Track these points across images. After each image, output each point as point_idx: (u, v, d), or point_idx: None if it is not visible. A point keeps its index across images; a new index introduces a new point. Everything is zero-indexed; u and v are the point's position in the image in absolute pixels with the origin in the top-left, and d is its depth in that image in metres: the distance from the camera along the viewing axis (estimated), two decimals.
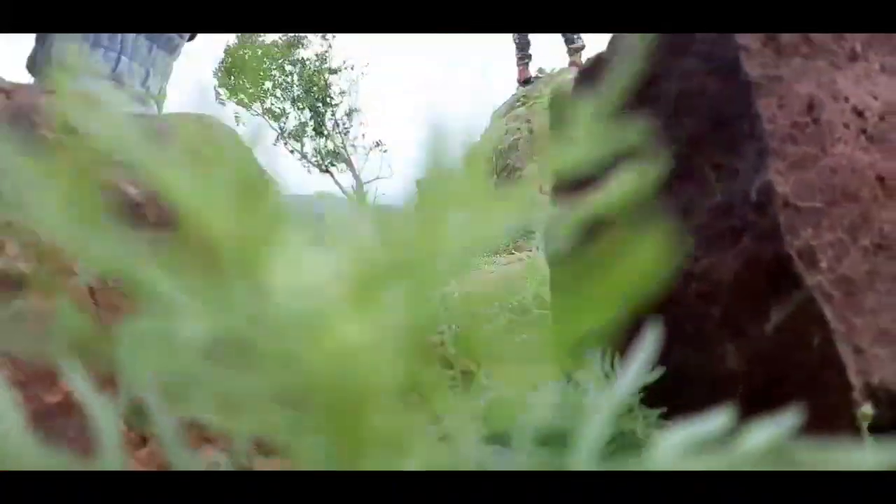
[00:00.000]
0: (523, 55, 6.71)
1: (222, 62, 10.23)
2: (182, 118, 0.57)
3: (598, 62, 0.49)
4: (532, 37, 6.55)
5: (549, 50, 7.08)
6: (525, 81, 6.70)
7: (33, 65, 0.84)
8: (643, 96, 0.46)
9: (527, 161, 4.41)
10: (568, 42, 6.64)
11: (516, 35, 6.48)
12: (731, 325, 0.41)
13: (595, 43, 7.11)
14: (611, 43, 0.54)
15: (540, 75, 7.03)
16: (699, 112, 0.42)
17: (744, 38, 0.39)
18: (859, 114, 0.41)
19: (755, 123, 0.38)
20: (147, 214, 0.47)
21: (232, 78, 10.21)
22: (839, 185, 0.38)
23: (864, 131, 0.41)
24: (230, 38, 10.21)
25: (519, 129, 4.57)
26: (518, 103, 5.97)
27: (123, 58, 0.82)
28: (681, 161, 0.43)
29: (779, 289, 0.37)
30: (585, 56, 6.74)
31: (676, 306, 0.45)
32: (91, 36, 0.80)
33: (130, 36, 0.83)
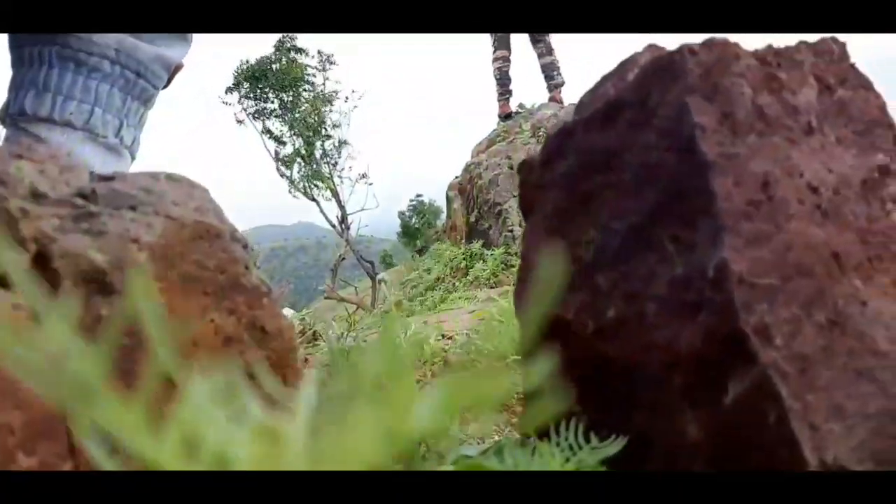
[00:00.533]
0: (504, 90, 6.81)
1: (245, 70, 10.25)
2: (153, 177, 0.57)
3: (565, 136, 0.50)
4: (513, 72, 6.66)
5: (530, 85, 7.19)
6: (506, 116, 6.79)
7: (6, 114, 0.84)
8: (606, 166, 0.48)
9: (508, 196, 4.44)
10: (548, 79, 6.76)
11: (497, 71, 6.58)
12: (692, 395, 0.41)
13: (574, 79, 7.24)
14: (577, 110, 0.55)
15: (520, 110, 7.14)
16: (659, 185, 0.43)
17: (700, 117, 0.40)
18: (814, 189, 0.42)
19: (711, 201, 0.39)
20: (114, 282, 0.47)
21: (243, 88, 10.24)
22: (794, 262, 0.39)
23: (818, 206, 0.42)
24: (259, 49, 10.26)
25: (499, 164, 4.62)
26: (499, 138, 6.04)
27: (97, 110, 0.83)
28: (642, 231, 0.44)
29: (736, 364, 0.38)
30: (564, 91, 6.84)
31: (640, 374, 0.45)
32: (64, 88, 0.81)
33: (104, 88, 0.83)
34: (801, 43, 0.47)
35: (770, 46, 0.46)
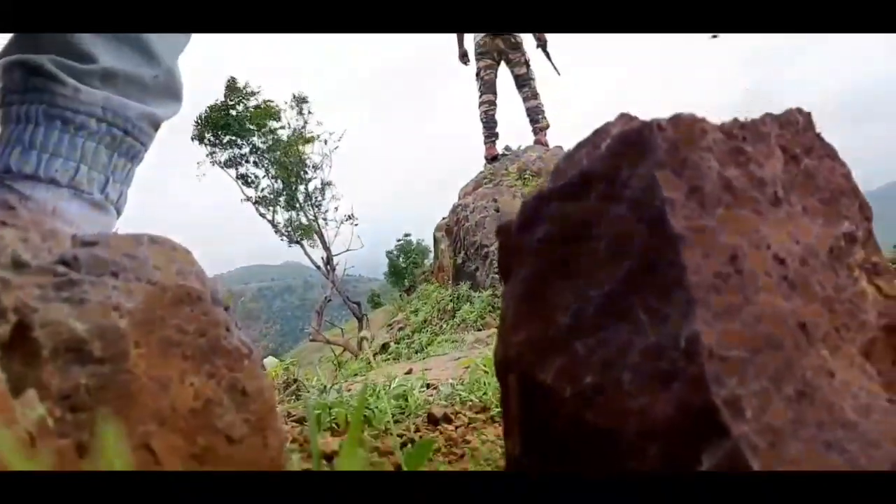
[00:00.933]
0: (490, 133, 6.92)
1: (206, 119, 10.30)
2: (136, 241, 0.57)
3: (541, 202, 0.51)
4: (499, 115, 6.76)
5: (515, 128, 7.30)
6: (492, 158, 6.88)
7: None
8: (581, 235, 0.49)
9: (494, 238, 4.45)
10: (533, 122, 6.87)
11: (483, 115, 6.69)
12: (668, 464, 0.42)
13: (558, 122, 7.35)
14: (553, 176, 0.57)
15: (507, 153, 7.24)
16: (632, 256, 0.44)
17: (669, 191, 0.42)
18: (781, 261, 0.43)
19: (682, 273, 0.40)
20: (93, 350, 0.47)
21: (210, 137, 10.28)
22: (763, 334, 0.40)
23: (785, 278, 0.43)
24: (217, 97, 10.28)
25: (486, 206, 4.66)
26: (486, 180, 6.11)
27: (83, 167, 0.83)
28: (617, 300, 0.45)
29: (709, 435, 0.38)
30: (549, 134, 6.94)
31: (618, 441, 0.46)
32: (50, 145, 0.82)
33: (91, 145, 0.84)
34: (767, 115, 0.49)
35: (736, 120, 0.48)
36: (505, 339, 0.60)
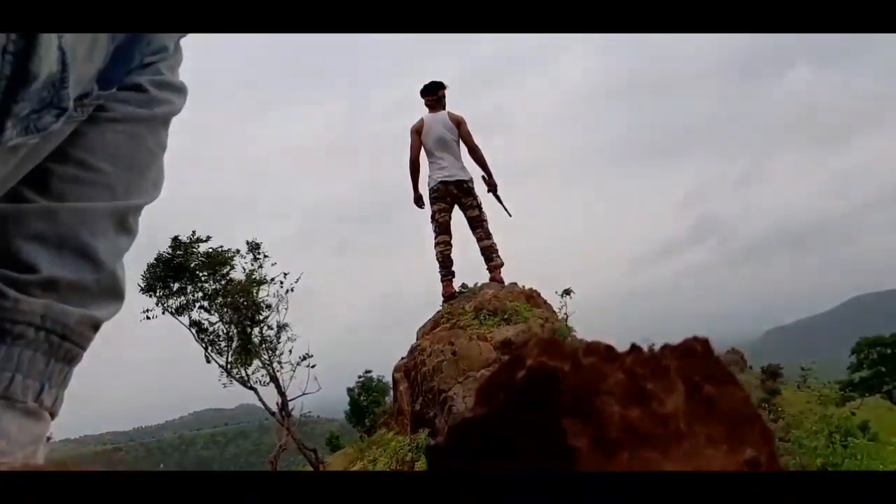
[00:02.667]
0: (447, 272, 7.05)
1: (156, 266, 10.21)
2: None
3: (467, 427, 0.53)
4: (455, 254, 6.93)
5: (471, 266, 7.46)
6: (450, 296, 6.96)
7: None
8: (504, 460, 0.50)
9: (452, 383, 4.43)
10: (488, 260, 7.05)
11: (439, 255, 6.85)
12: None
13: (511, 262, 7.58)
14: (480, 396, 0.59)
15: (464, 290, 7.35)
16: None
17: (574, 439, 0.44)
18: None
19: None
20: None
21: (161, 286, 10.16)
22: None
23: None
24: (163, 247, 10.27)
25: (442, 350, 4.67)
26: (443, 319, 6.15)
27: (17, 376, 0.83)
28: None
29: None
30: (504, 271, 7.09)
31: None
32: None
33: (27, 354, 0.84)
34: (665, 347, 0.53)
35: (638, 355, 0.51)
36: None
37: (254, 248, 10.61)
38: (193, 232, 10.37)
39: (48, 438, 0.90)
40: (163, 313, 10.06)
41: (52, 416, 0.95)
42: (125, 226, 0.90)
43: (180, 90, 0.90)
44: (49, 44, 0.61)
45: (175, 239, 10.23)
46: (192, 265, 9.99)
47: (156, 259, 10.09)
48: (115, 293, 0.95)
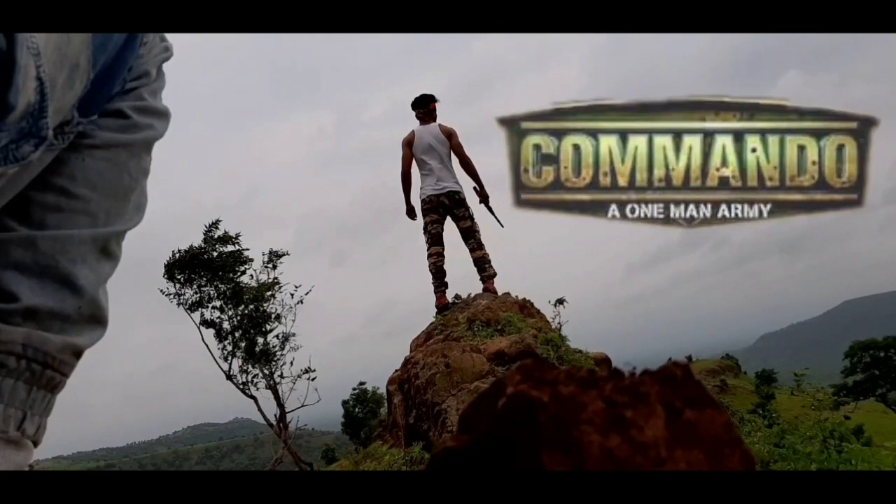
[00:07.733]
0: (440, 283, 7.04)
1: (184, 258, 10.12)
2: None
3: (454, 457, 0.53)
4: (447, 266, 6.93)
5: (466, 276, 7.46)
6: (443, 307, 6.95)
7: None
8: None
9: (445, 396, 4.42)
10: (481, 271, 7.05)
11: (432, 266, 6.84)
12: None
13: (505, 271, 7.57)
14: (463, 423, 0.59)
15: (457, 301, 7.34)
16: None
17: (554, 468, 0.44)
18: None
19: None
20: None
21: (180, 277, 10.08)
22: None
23: None
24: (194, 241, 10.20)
25: (436, 363, 4.65)
26: (436, 330, 6.13)
27: None
28: None
29: None
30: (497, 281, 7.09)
31: None
32: None
33: (8, 383, 0.84)
34: (646, 373, 0.53)
35: (618, 380, 0.51)
36: None
37: (275, 256, 10.56)
38: (219, 226, 10.28)
39: (31, 467, 0.90)
40: (178, 306, 9.98)
41: (35, 444, 0.94)
42: (107, 252, 0.89)
43: (163, 114, 0.90)
44: (27, 73, 0.61)
45: (208, 232, 10.17)
46: (215, 264, 9.94)
47: (186, 250, 10.02)
48: (96, 320, 0.94)
